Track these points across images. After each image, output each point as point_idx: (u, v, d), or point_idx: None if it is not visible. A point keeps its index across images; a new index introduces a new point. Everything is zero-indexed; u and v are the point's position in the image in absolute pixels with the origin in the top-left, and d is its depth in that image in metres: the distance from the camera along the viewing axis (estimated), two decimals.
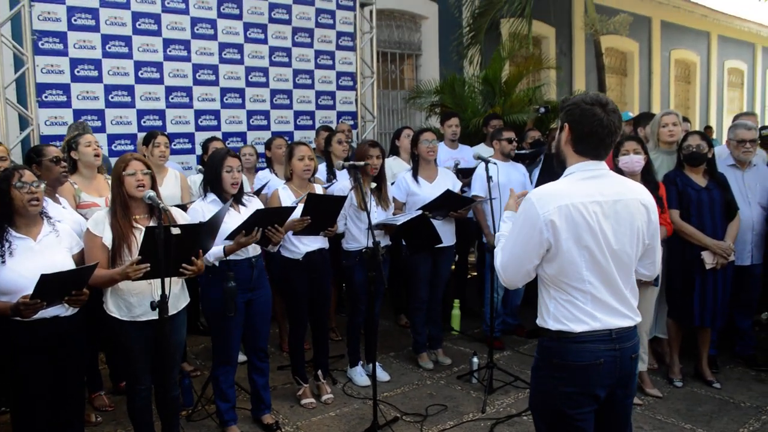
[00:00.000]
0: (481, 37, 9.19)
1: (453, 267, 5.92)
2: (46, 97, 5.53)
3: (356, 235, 4.50)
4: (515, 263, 2.26)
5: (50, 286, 2.80)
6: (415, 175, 4.91)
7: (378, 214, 4.46)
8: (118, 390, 4.41)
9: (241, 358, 4.39)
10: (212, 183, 3.78)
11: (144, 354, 3.30)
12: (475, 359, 4.72)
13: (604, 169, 2.27)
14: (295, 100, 7.08)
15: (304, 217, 3.94)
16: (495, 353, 4.69)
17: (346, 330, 4.86)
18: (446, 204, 4.71)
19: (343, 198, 4.24)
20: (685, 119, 6.05)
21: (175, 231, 2.94)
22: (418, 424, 4.04)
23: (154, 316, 3.13)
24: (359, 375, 4.71)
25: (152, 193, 3.12)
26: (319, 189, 4.43)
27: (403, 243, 4.81)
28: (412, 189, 4.86)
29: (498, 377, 4.59)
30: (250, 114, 6.76)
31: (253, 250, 3.84)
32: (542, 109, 7.04)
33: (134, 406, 3.40)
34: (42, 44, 5.49)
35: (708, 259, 4.31)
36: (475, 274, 6.77)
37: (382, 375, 4.70)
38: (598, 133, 2.21)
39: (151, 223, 3.24)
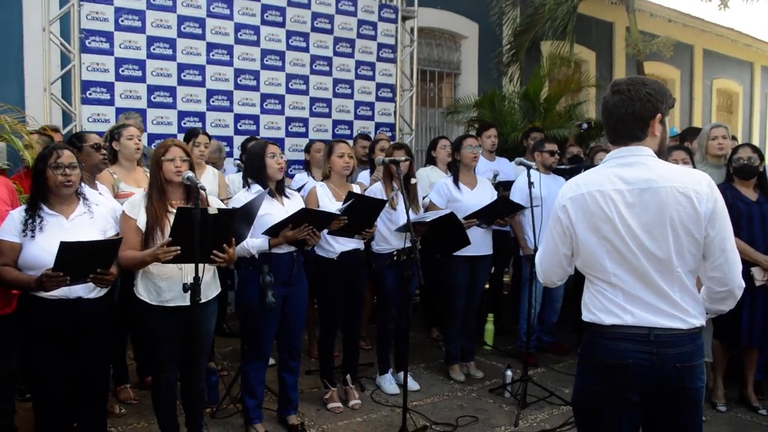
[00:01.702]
0: (521, 56, 9.08)
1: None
2: (90, 94, 5.59)
3: (387, 236, 4.40)
4: (548, 255, 2.22)
5: (72, 258, 2.71)
6: (456, 182, 4.79)
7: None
8: (144, 385, 4.35)
9: (270, 361, 4.30)
10: (255, 172, 3.73)
11: (171, 341, 3.21)
12: (509, 372, 4.54)
13: (639, 156, 2.07)
14: (334, 108, 7.05)
15: (342, 217, 3.85)
16: (529, 369, 4.51)
17: (376, 337, 4.74)
18: (496, 211, 4.59)
19: (384, 201, 4.13)
20: (733, 137, 5.84)
21: (213, 210, 2.87)
22: None
23: (183, 302, 3.09)
24: (388, 383, 4.56)
25: (191, 174, 3.07)
26: (358, 190, 4.34)
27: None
28: (453, 195, 4.74)
29: (532, 392, 4.40)
30: (289, 120, 6.75)
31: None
32: (585, 125, 6.88)
33: (159, 396, 3.31)
34: (89, 43, 5.56)
35: (758, 276, 4.09)
36: (507, 293, 6.61)
37: (412, 384, 4.54)
38: (604, 117, 2.16)
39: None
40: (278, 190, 3.78)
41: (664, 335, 2.00)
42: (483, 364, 5.12)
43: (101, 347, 3.13)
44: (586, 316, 2.13)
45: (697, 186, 2.01)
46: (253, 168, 3.74)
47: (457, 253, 4.55)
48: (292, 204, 3.76)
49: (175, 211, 3.13)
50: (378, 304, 4.73)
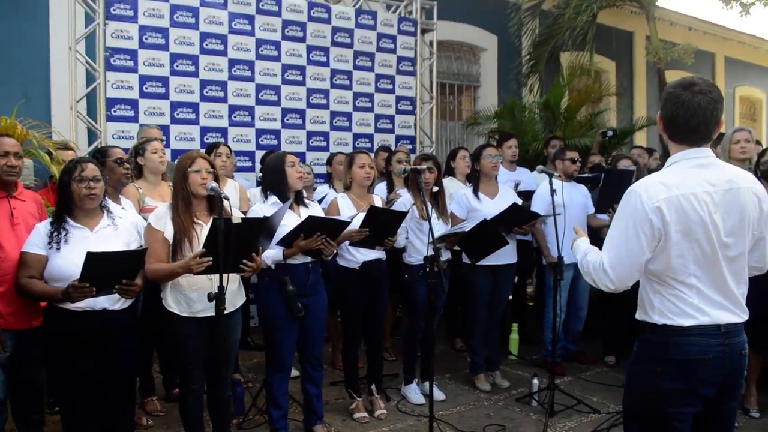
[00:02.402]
0: (541, 66, 9.06)
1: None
2: (114, 111, 5.65)
3: (419, 248, 4.36)
4: (629, 260, 2.09)
5: (98, 268, 2.73)
6: (475, 192, 4.77)
7: (438, 227, 4.31)
8: (171, 397, 4.36)
9: (294, 373, 4.31)
10: (274, 183, 3.73)
11: (200, 352, 3.21)
12: (535, 381, 4.47)
13: (711, 157, 2.11)
14: (354, 122, 7.06)
15: (363, 228, 3.85)
16: (555, 378, 4.44)
17: (401, 348, 4.71)
18: (511, 219, 4.55)
19: (404, 213, 4.11)
20: (757, 142, 5.76)
21: (237, 220, 2.88)
22: None
23: (212, 312, 3.04)
24: (414, 393, 4.52)
25: (215, 184, 3.09)
26: (378, 201, 4.33)
27: (464, 259, 4.67)
28: (473, 205, 4.71)
29: (559, 401, 4.33)
30: (310, 135, 6.77)
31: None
32: (609, 132, 6.80)
33: (186, 407, 3.30)
34: (114, 61, 5.64)
35: None
36: (532, 304, 6.54)
37: (438, 394, 4.49)
38: (680, 116, 2.07)
39: None
40: (297, 200, 3.78)
41: (731, 327, 2.09)
42: (508, 373, 5.06)
43: (127, 358, 3.13)
44: (658, 321, 2.10)
45: (759, 187, 2.15)
46: (272, 179, 3.74)
47: (481, 262, 4.53)
48: (309, 213, 3.72)
49: (200, 222, 3.18)
50: (407, 314, 4.69)
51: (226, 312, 2.98)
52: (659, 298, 2.10)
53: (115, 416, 3.14)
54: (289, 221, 3.59)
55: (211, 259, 2.93)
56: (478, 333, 4.81)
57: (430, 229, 3.77)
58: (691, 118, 2.06)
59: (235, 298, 3.31)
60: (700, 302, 2.06)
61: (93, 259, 2.69)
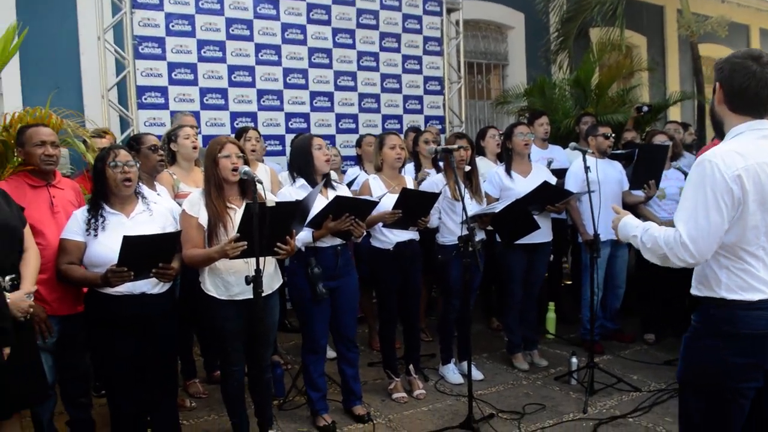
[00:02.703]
0: (569, 43, 8.90)
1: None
2: (145, 99, 5.70)
3: (452, 228, 4.33)
4: (710, 231, 2.00)
5: (135, 252, 2.78)
6: (508, 170, 4.71)
7: (472, 207, 4.27)
8: (212, 379, 4.41)
9: (331, 354, 4.33)
10: (301, 166, 3.72)
11: (239, 334, 3.24)
12: (574, 359, 4.42)
13: None
14: (382, 104, 7.03)
15: (396, 210, 3.84)
16: (594, 357, 4.38)
17: (437, 328, 4.71)
18: (543, 197, 4.49)
19: (437, 195, 4.10)
20: None
21: (271, 203, 2.87)
22: (515, 422, 3.79)
23: (251, 295, 3.06)
24: (452, 372, 4.52)
25: (247, 168, 3.09)
26: (410, 182, 4.31)
27: (497, 239, 4.63)
28: (505, 184, 4.65)
29: (599, 379, 4.28)
30: (339, 117, 6.75)
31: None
32: (645, 108, 6.65)
33: (228, 388, 3.34)
34: (142, 49, 5.67)
35: None
36: (570, 282, 6.46)
37: (476, 374, 4.48)
38: (751, 87, 2.01)
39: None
40: (325, 183, 3.77)
41: None
42: (546, 352, 5.01)
43: (167, 341, 3.18)
44: (726, 296, 2.04)
45: None
46: (299, 162, 3.73)
47: (517, 241, 4.48)
48: (335, 194, 3.71)
49: (234, 207, 3.19)
50: (441, 295, 4.69)
51: (263, 294, 2.99)
52: (726, 273, 2.04)
53: (157, 399, 3.20)
54: (318, 204, 3.59)
55: (245, 243, 2.94)
56: (514, 312, 4.77)
57: (464, 208, 3.74)
58: (762, 90, 2.00)
59: (272, 280, 3.33)
60: (766, 274, 2.02)
61: (129, 243, 2.74)
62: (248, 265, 3.12)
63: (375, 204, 3.71)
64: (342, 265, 3.74)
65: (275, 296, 3.39)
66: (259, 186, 2.89)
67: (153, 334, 3.07)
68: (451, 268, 4.33)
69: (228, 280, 3.18)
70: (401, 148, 4.16)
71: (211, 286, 3.21)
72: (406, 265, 4.16)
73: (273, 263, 3.35)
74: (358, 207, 3.63)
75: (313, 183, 3.66)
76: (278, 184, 4.92)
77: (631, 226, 2.26)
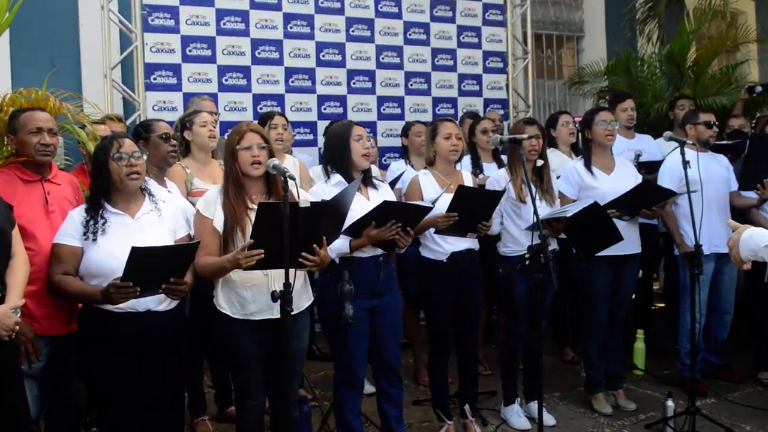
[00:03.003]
0: (660, 10, 8.67)
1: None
2: (154, 79, 5.78)
3: (516, 236, 4.26)
4: None
5: (144, 265, 2.77)
6: (588, 165, 4.58)
7: (542, 210, 4.15)
8: (224, 416, 4.40)
9: (369, 389, 4.30)
10: (337, 159, 3.69)
11: (258, 362, 3.21)
12: (670, 402, 4.27)
13: None
14: (434, 84, 7.00)
15: (451, 213, 3.78)
16: (696, 400, 4.24)
17: (499, 359, 4.64)
18: (640, 200, 4.38)
19: (500, 193, 4.05)
20: None
21: (305, 204, 2.82)
22: None
23: (270, 314, 3.10)
24: (516, 415, 4.42)
25: (276, 161, 3.05)
26: (468, 179, 4.26)
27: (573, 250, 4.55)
28: (586, 182, 4.54)
29: (702, 429, 4.14)
30: (381, 100, 6.75)
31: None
32: (759, 88, 6.44)
33: (244, 427, 3.28)
34: (152, 20, 5.76)
35: None
36: (662, 305, 6.32)
37: (548, 418, 4.35)
38: None
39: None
40: (364, 181, 3.74)
41: None
42: (634, 392, 4.89)
43: (175, 367, 3.19)
44: None
45: None
46: (335, 154, 3.71)
47: (599, 253, 4.35)
48: (380, 197, 3.69)
49: (254, 207, 3.14)
50: (504, 318, 4.65)
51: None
52: None
53: (162, 417, 3.20)
54: (357, 206, 3.55)
55: (262, 252, 2.91)
56: (595, 341, 4.65)
57: (535, 211, 3.69)
58: None
59: (301, 297, 3.28)
60: None
61: (138, 255, 2.72)
62: (268, 279, 3.12)
63: (428, 210, 3.66)
64: (384, 279, 3.70)
65: (304, 317, 3.35)
66: (290, 182, 2.86)
67: (158, 356, 3.09)
68: (515, 284, 4.27)
69: (243, 295, 3.16)
70: (458, 138, 4.10)
71: (224, 302, 3.20)
72: (462, 280, 4.10)
73: (303, 277, 3.31)
74: (408, 213, 3.59)
75: (350, 180, 3.62)
76: (309, 181, 4.90)
77: (761, 236, 2.12)
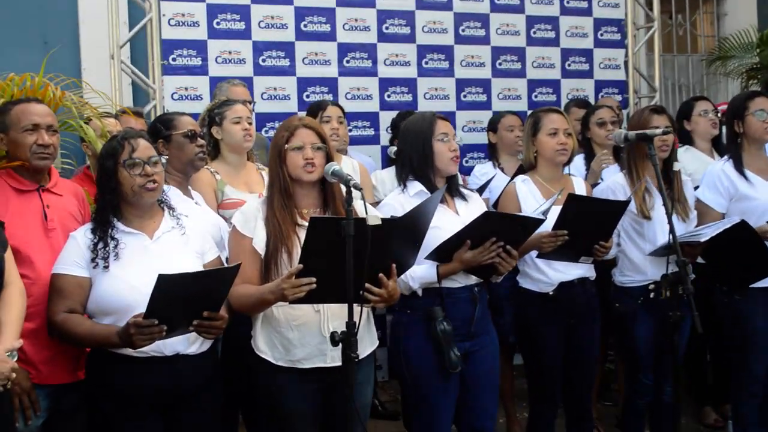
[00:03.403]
0: None
1: None
2: (173, 59, 5.87)
3: (637, 262, 4.25)
4: None
5: (172, 297, 2.79)
6: (739, 167, 4.49)
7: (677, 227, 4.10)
8: None
9: None
10: (416, 163, 3.70)
11: (307, 422, 3.23)
12: None
13: None
14: (528, 63, 6.98)
15: (559, 231, 3.77)
16: None
17: (619, 422, 4.66)
18: None
19: (625, 203, 4.02)
20: None
21: (375, 221, 2.81)
22: None
23: (323, 362, 3.13)
24: None
25: (337, 166, 3.07)
26: (580, 185, 4.27)
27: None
28: (740, 190, 4.43)
29: None
30: (462, 84, 6.75)
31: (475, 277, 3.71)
32: None
33: None
34: None
35: None
36: None
37: None
38: None
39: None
40: (450, 191, 3.75)
41: None
42: None
43: (207, 425, 3.22)
44: None
45: None
46: (413, 156, 3.72)
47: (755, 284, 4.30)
48: (471, 211, 3.69)
49: (304, 223, 3.15)
50: (625, 369, 4.65)
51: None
52: None
53: None
54: (443, 222, 3.57)
55: (313, 281, 2.92)
56: (750, 400, 4.53)
57: (671, 230, 3.65)
58: None
59: (363, 341, 3.25)
60: None
61: (166, 285, 2.73)
62: (320, 316, 3.14)
63: (540, 223, 3.63)
64: (479, 317, 3.70)
65: (368, 365, 3.38)
66: (355, 193, 2.87)
67: (188, 415, 3.12)
68: (637, 324, 4.26)
69: (288, 336, 3.18)
70: (567, 134, 4.10)
71: (264, 345, 3.23)
72: (574, 320, 4.11)
73: (367, 314, 3.31)
74: (514, 228, 3.59)
75: (433, 190, 3.62)
76: (371, 189, 4.96)
77: None
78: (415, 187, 3.68)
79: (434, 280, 3.56)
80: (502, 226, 3.54)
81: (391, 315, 5.35)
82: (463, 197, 3.81)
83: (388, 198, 3.82)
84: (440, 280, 3.57)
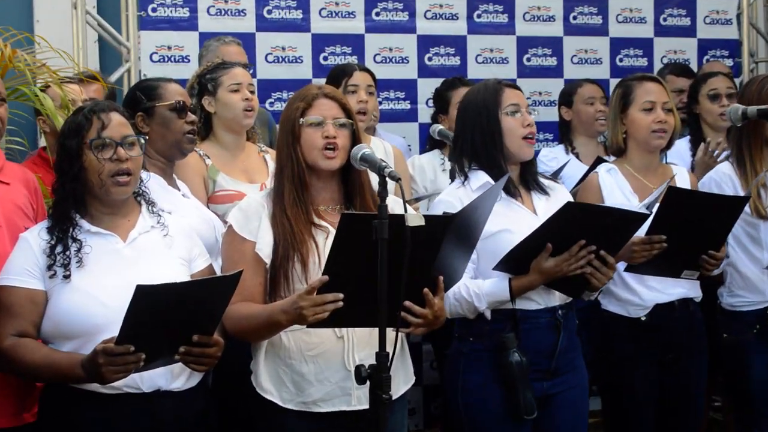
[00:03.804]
0: None
1: None
2: (153, 10, 5.89)
3: (752, 278, 4.28)
4: None
5: (153, 316, 2.75)
6: None
7: None
8: None
9: None
10: (483, 147, 3.70)
11: None
12: None
13: None
14: (612, 16, 7.00)
15: (656, 236, 3.74)
16: None
17: None
18: None
19: (743, 200, 4.00)
20: None
21: (416, 220, 2.77)
22: None
23: (346, 404, 3.13)
24: None
25: (368, 150, 3.06)
26: (684, 176, 4.28)
27: None
28: None
29: None
30: (524, 44, 6.81)
31: (560, 295, 3.70)
32: None
33: None
34: None
35: None
36: None
37: None
38: None
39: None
40: (525, 181, 3.76)
41: None
42: None
43: None
44: None
45: None
46: (477, 138, 3.72)
47: None
48: (554, 208, 3.59)
49: (325, 224, 3.20)
50: (735, 414, 4.70)
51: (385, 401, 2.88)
52: None
53: None
54: (513, 222, 3.58)
55: (341, 297, 2.89)
56: None
57: None
58: None
59: (397, 376, 3.23)
60: None
61: (145, 299, 2.69)
62: (344, 344, 3.13)
63: (645, 219, 3.62)
64: (564, 348, 3.68)
65: (401, 408, 3.41)
66: (393, 185, 2.86)
67: None
68: (752, 359, 4.27)
69: (301, 371, 3.17)
70: (667, 110, 4.09)
71: (269, 382, 3.22)
72: (672, 353, 4.11)
73: (401, 342, 3.25)
74: (611, 225, 3.56)
75: (496, 176, 3.60)
76: (407, 180, 4.94)
77: None
78: (480, 178, 3.67)
79: (506, 298, 3.55)
80: (592, 224, 3.50)
81: (428, 344, 5.42)
82: (543, 190, 3.80)
83: (445, 193, 3.81)
84: (514, 297, 3.56)
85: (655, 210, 3.73)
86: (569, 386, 3.71)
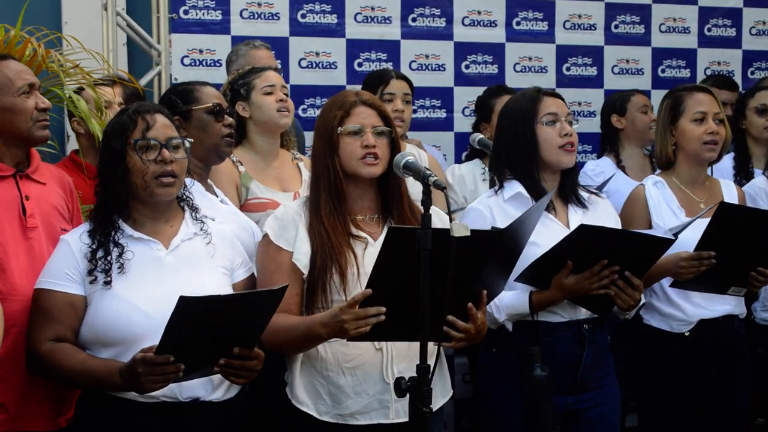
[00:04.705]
0: None
1: None
2: (185, 12, 5.93)
3: None
4: None
5: (195, 328, 2.77)
6: None
7: None
8: None
9: None
10: (513, 155, 3.71)
11: None
12: None
13: None
14: (654, 25, 6.99)
15: (705, 252, 3.75)
16: None
17: None
18: None
19: None
20: None
21: (461, 231, 2.79)
22: None
23: (384, 416, 3.14)
24: None
25: (411, 158, 3.07)
26: (732, 191, 4.26)
27: None
28: None
29: None
30: (564, 53, 6.81)
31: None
32: None
33: None
34: None
35: None
36: None
37: None
38: None
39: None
40: (563, 194, 3.75)
41: None
42: None
43: None
44: None
45: None
46: (511, 147, 3.73)
47: None
48: (588, 221, 3.62)
49: (364, 235, 3.22)
50: None
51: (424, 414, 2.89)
52: None
53: None
54: (543, 235, 3.55)
55: (383, 311, 2.90)
56: None
57: None
58: None
59: (435, 388, 3.20)
60: None
61: (189, 311, 2.72)
62: (383, 356, 3.15)
63: (669, 244, 3.60)
64: (589, 364, 3.67)
65: (438, 423, 3.39)
66: (437, 194, 2.87)
67: None
68: None
69: (339, 383, 3.19)
70: (718, 121, 4.09)
71: (305, 394, 3.23)
72: (715, 370, 4.11)
73: (439, 357, 3.28)
74: (633, 246, 3.57)
75: (538, 193, 3.61)
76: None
77: None
78: (513, 188, 3.68)
79: (525, 312, 3.56)
80: (612, 246, 3.50)
81: (462, 357, 5.42)
82: (582, 203, 3.78)
83: (477, 201, 3.82)
84: (534, 311, 3.57)
85: (688, 231, 3.76)
86: (597, 403, 3.71)
